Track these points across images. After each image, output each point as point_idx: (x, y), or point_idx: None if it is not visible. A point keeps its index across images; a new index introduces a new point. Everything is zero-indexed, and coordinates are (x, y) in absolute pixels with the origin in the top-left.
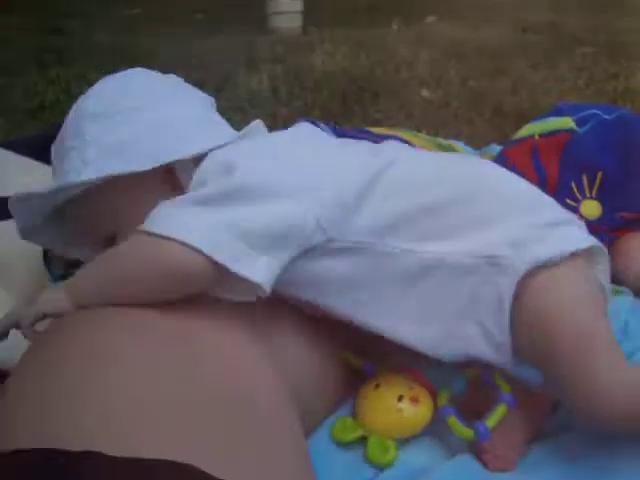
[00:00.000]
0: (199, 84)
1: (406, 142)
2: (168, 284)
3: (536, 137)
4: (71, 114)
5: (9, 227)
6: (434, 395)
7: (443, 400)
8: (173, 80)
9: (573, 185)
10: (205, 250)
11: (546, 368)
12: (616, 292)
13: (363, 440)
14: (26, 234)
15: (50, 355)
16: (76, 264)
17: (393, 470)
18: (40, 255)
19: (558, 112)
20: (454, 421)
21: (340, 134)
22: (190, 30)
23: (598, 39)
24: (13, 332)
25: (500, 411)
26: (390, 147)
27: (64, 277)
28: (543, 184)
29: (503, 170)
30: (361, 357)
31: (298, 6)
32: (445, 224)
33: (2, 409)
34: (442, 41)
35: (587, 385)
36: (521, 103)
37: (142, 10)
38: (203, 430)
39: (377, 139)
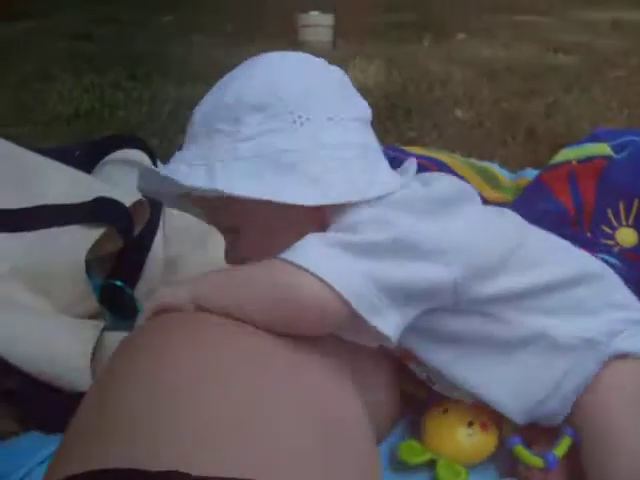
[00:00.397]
0: None
1: (442, 163)
2: (296, 317)
3: (573, 163)
4: (232, 82)
5: (52, 236)
6: (499, 424)
7: (508, 429)
8: (336, 77)
9: (609, 212)
10: (345, 295)
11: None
12: None
13: (430, 464)
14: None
15: (153, 365)
16: (117, 275)
17: None
18: (82, 264)
19: (594, 138)
20: (521, 450)
21: None
22: (220, 40)
23: (630, 62)
24: (10, 321)
25: (565, 443)
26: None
27: (105, 287)
28: (579, 210)
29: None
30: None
31: (329, 20)
32: (555, 301)
33: (92, 417)
34: (473, 59)
35: None
36: (555, 126)
37: (174, 17)
38: (300, 456)
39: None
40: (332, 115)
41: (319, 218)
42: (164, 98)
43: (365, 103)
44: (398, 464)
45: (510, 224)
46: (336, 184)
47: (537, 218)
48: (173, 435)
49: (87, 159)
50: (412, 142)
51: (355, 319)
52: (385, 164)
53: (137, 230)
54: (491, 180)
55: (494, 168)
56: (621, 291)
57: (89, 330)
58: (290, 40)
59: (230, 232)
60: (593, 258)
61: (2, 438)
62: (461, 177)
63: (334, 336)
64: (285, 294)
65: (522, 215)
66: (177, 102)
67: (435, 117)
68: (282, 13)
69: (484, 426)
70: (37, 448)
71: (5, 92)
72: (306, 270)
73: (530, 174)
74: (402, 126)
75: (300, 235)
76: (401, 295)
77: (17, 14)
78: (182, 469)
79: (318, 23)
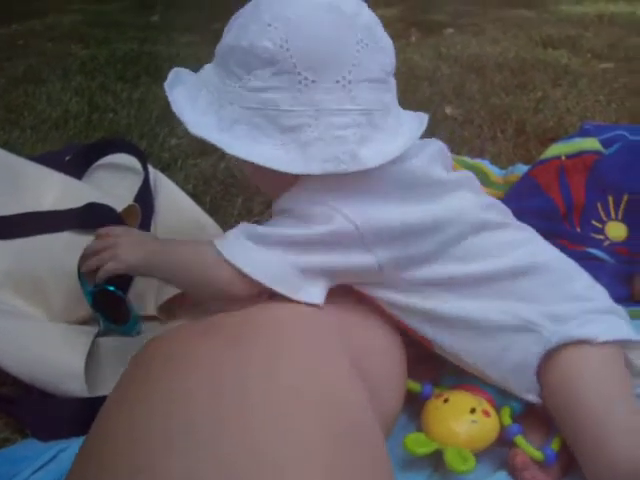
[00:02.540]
0: None
1: None
2: (215, 294)
3: (562, 158)
4: (252, 23)
5: (43, 243)
6: (497, 411)
7: (507, 418)
8: (360, 29)
9: (599, 206)
10: (267, 283)
11: (567, 434)
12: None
13: (435, 455)
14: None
15: (172, 386)
16: (108, 280)
17: None
18: (73, 270)
19: (584, 133)
20: (522, 441)
21: None
22: (208, 38)
23: (617, 54)
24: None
25: (559, 437)
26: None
27: (96, 293)
28: (569, 205)
29: (564, 257)
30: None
31: None
32: (494, 290)
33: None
34: (461, 55)
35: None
36: (544, 121)
37: (159, 17)
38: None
39: None
40: (340, 78)
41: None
42: (152, 99)
43: (386, 57)
44: (402, 457)
45: (457, 215)
46: (318, 155)
47: (527, 213)
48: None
49: (77, 164)
50: None
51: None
52: (387, 129)
53: None
54: (481, 177)
55: (485, 165)
56: (580, 284)
57: (82, 336)
58: None
59: None
60: (551, 251)
61: None
62: None
63: (346, 334)
64: (210, 280)
65: (512, 211)
66: (166, 103)
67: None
68: None
69: (486, 412)
70: (34, 456)
71: None
72: (231, 264)
73: (520, 169)
74: None
75: (283, 182)
76: (324, 273)
77: (12, 15)
78: None
79: None
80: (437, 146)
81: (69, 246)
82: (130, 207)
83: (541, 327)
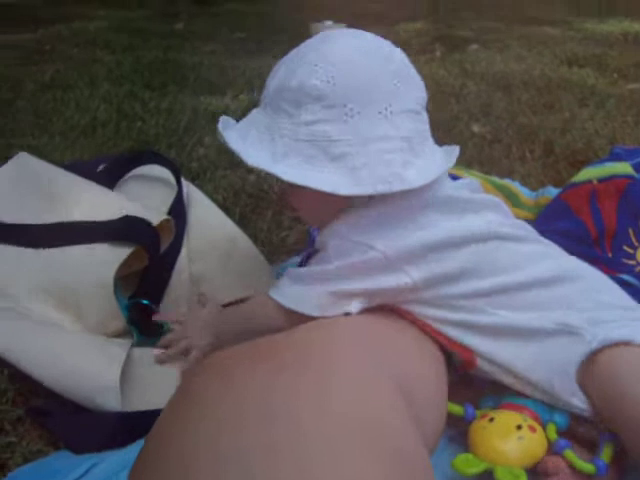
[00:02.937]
0: (254, 105)
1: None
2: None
3: (594, 182)
4: (299, 66)
5: (77, 254)
6: (543, 428)
7: (553, 433)
8: (396, 65)
9: (631, 232)
10: (313, 313)
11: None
12: None
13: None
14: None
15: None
16: (143, 293)
17: None
18: (109, 283)
19: (615, 157)
20: (572, 455)
21: None
22: (233, 48)
23: None
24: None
25: (609, 448)
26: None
27: (131, 306)
28: (600, 230)
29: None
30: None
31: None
32: (527, 299)
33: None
34: (487, 71)
35: None
36: (573, 142)
37: (183, 25)
38: None
39: None
40: (382, 109)
41: (348, 200)
42: (180, 109)
43: (420, 91)
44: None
45: (481, 231)
46: (367, 177)
47: (558, 236)
48: None
49: (110, 175)
50: None
51: None
52: (426, 155)
53: (162, 248)
54: (512, 198)
55: (515, 186)
56: (613, 294)
57: (117, 348)
58: None
59: (289, 187)
60: (581, 263)
61: (31, 458)
62: None
63: (391, 356)
64: (273, 327)
65: (542, 233)
66: (193, 113)
67: (453, 131)
68: (294, 22)
69: (532, 428)
70: (66, 469)
71: (23, 100)
72: (282, 305)
73: (551, 192)
74: None
75: (331, 209)
76: (361, 295)
77: (38, 20)
78: None
79: None
80: (467, 180)
81: (104, 258)
82: (165, 221)
83: (582, 329)
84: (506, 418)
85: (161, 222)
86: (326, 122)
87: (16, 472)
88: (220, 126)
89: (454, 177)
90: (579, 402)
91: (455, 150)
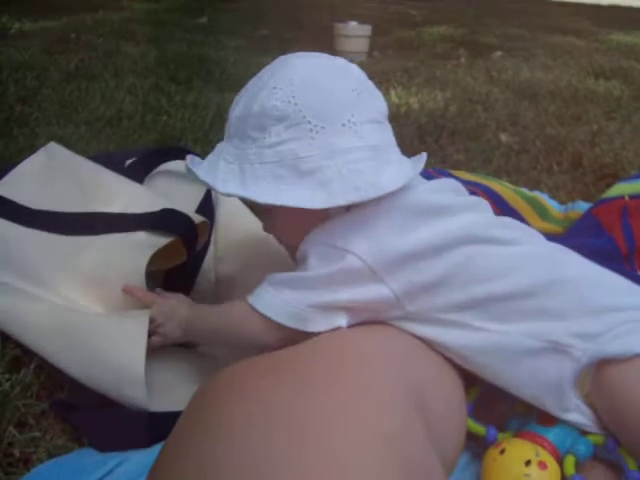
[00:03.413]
0: None
1: (493, 192)
2: (247, 339)
3: (626, 198)
4: (260, 91)
5: (114, 241)
6: (560, 461)
7: (570, 467)
8: (355, 80)
9: None
10: (275, 318)
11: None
12: None
13: None
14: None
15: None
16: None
17: None
18: (142, 268)
19: None
20: None
21: (428, 178)
22: (257, 44)
23: None
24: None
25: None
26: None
27: None
28: (631, 247)
29: (593, 267)
30: (481, 422)
31: (367, 31)
32: (516, 310)
33: None
34: (512, 79)
35: None
36: (601, 156)
37: (207, 20)
38: None
39: (465, 186)
40: (345, 121)
41: (325, 212)
42: (205, 104)
43: (380, 102)
44: None
45: (463, 237)
46: (340, 188)
47: (587, 252)
48: None
49: (139, 169)
50: (459, 165)
51: None
52: (394, 161)
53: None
54: (540, 211)
55: (544, 198)
56: (609, 292)
57: (138, 327)
58: (326, 48)
59: (264, 213)
60: (576, 264)
61: (54, 453)
62: (511, 206)
63: (407, 370)
64: (245, 331)
65: (571, 248)
66: (219, 108)
67: (480, 140)
68: (318, 22)
69: (542, 465)
70: (92, 467)
71: (49, 89)
72: (264, 315)
73: (581, 207)
74: (448, 148)
75: (310, 224)
76: (343, 308)
77: (63, 8)
78: None
79: (356, 34)
80: (444, 180)
81: (140, 245)
82: (202, 223)
83: (570, 347)
84: (517, 451)
85: (199, 223)
86: (292, 141)
87: (40, 468)
88: (188, 163)
89: (474, 184)
90: (578, 418)
91: (423, 156)
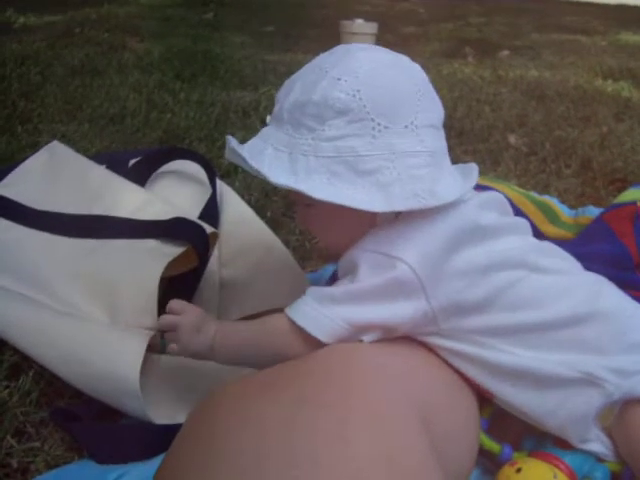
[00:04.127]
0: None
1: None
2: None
3: (638, 204)
4: (320, 79)
5: (124, 247)
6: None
7: None
8: (418, 82)
9: None
10: (316, 335)
11: None
12: None
13: None
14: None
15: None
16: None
17: None
18: (155, 278)
19: None
20: None
21: None
22: (261, 42)
23: None
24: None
25: None
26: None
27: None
28: None
29: (631, 301)
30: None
31: (373, 28)
32: (553, 339)
33: None
34: (520, 79)
35: None
36: (611, 159)
37: (213, 15)
38: None
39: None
40: (408, 123)
41: (372, 218)
42: (210, 102)
43: (439, 107)
44: None
45: (510, 261)
46: (400, 193)
47: (598, 259)
48: None
49: (142, 169)
50: None
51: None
52: (449, 171)
53: None
54: (550, 215)
55: (554, 203)
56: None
57: (137, 342)
58: (333, 46)
59: (304, 206)
60: (615, 297)
61: (53, 463)
62: (521, 211)
63: (413, 390)
64: (285, 348)
65: (582, 255)
66: (224, 107)
67: (489, 141)
68: (324, 18)
69: None
70: (91, 479)
71: (52, 85)
72: (293, 322)
73: (592, 212)
74: (456, 149)
75: (355, 226)
76: (378, 325)
77: (66, 3)
78: None
79: (362, 31)
80: (492, 195)
81: (154, 253)
82: (212, 233)
83: (603, 381)
84: (535, 471)
85: (210, 233)
86: (352, 137)
87: (39, 479)
88: (231, 144)
89: (484, 187)
90: (597, 447)
91: (474, 169)
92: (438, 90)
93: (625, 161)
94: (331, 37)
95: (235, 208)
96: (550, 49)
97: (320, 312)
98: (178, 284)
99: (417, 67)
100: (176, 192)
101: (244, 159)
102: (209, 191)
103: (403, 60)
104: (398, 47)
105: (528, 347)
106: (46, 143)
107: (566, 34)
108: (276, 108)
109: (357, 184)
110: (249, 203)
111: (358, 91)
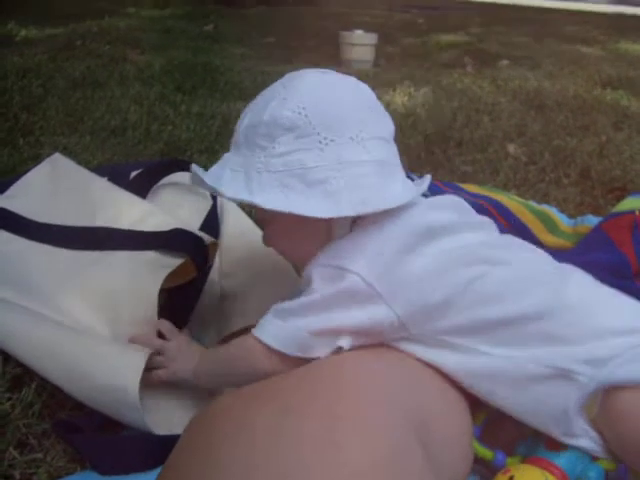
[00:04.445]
0: None
1: (500, 205)
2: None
3: (637, 213)
4: (270, 101)
5: (124, 258)
6: None
7: None
8: (364, 98)
9: None
10: (279, 348)
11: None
12: None
13: None
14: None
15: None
16: (172, 307)
17: None
18: (155, 289)
19: None
20: None
21: (436, 191)
22: (261, 53)
23: None
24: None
25: None
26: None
27: None
28: None
29: (600, 288)
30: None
31: (374, 39)
32: (521, 334)
33: None
34: (519, 89)
35: None
36: (610, 168)
37: (213, 27)
38: None
39: (474, 199)
40: (353, 135)
41: (328, 225)
42: (211, 114)
43: (388, 122)
44: None
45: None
46: (348, 200)
47: (597, 268)
48: None
49: (143, 181)
50: (467, 177)
51: None
52: (399, 179)
53: None
54: (549, 225)
55: (553, 212)
56: (618, 315)
57: (138, 354)
58: (332, 57)
59: (266, 224)
60: (583, 284)
61: (55, 475)
62: (520, 220)
63: (404, 396)
64: (257, 367)
65: (581, 264)
66: (224, 119)
67: (488, 151)
68: (324, 29)
69: None
70: None
71: (54, 97)
72: (259, 340)
73: (591, 221)
74: (455, 159)
75: (314, 240)
76: (346, 332)
77: (69, 15)
78: None
79: (362, 42)
80: (446, 197)
81: (152, 265)
82: (212, 243)
83: (577, 374)
84: (526, 478)
85: (209, 243)
86: (300, 151)
87: None
88: (194, 168)
89: (482, 197)
90: (587, 443)
91: (427, 177)
92: (437, 101)
93: (624, 170)
94: (331, 48)
95: (235, 219)
96: (549, 59)
97: (280, 327)
98: (179, 295)
99: (364, 86)
100: (177, 204)
101: (203, 180)
102: (210, 202)
103: (349, 80)
104: (398, 57)
105: (497, 344)
106: (48, 155)
107: (565, 44)
108: (234, 135)
109: (308, 194)
110: (249, 214)
111: (304, 108)
